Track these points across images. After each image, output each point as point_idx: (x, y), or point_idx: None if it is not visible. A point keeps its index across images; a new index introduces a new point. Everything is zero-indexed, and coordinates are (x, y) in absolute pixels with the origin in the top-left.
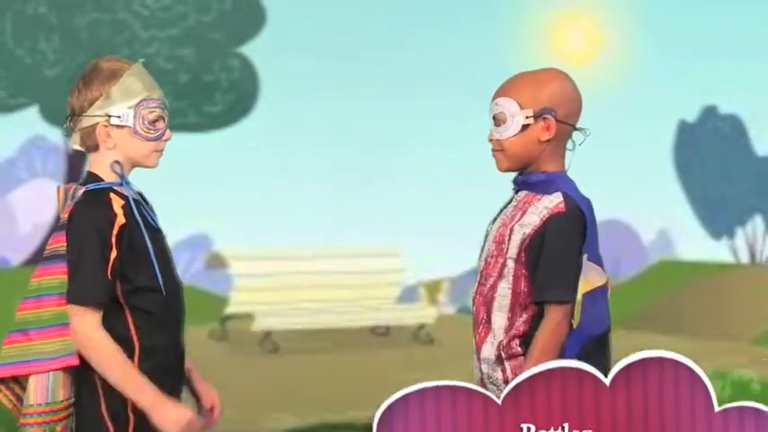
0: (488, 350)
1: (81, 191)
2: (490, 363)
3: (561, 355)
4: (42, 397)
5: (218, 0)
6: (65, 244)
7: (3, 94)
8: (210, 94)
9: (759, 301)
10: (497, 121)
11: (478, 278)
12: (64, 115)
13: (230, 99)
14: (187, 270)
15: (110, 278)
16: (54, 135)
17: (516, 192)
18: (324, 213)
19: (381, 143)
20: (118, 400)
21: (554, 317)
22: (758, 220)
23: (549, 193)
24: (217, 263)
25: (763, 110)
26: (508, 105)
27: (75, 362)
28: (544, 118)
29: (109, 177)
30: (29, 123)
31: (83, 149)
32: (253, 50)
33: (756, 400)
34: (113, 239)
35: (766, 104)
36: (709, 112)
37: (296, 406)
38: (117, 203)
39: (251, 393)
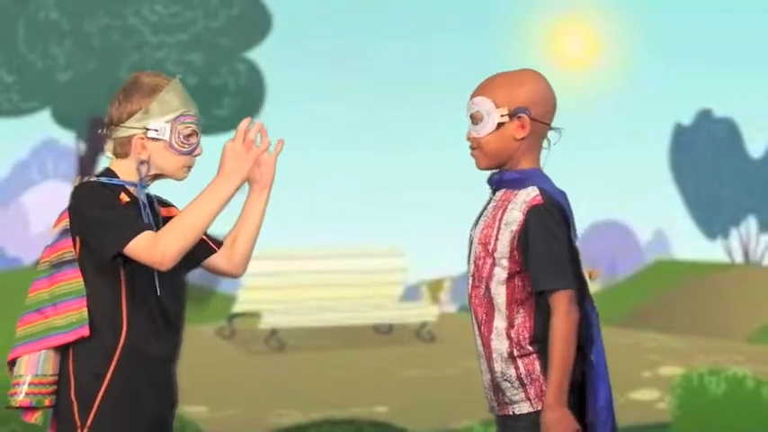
0: (499, 345)
1: (92, 178)
2: (504, 358)
3: (589, 341)
4: (32, 369)
5: (226, 6)
6: (68, 221)
7: (15, 97)
8: (218, 97)
9: (753, 300)
10: (474, 119)
11: (471, 281)
12: (76, 119)
13: (237, 103)
14: (194, 269)
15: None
16: (66, 138)
17: (494, 192)
18: (328, 214)
19: (384, 145)
20: (86, 387)
21: (559, 306)
22: (752, 221)
23: (523, 187)
24: None
25: (757, 113)
26: (484, 104)
27: (87, 332)
28: (519, 117)
29: (128, 178)
30: (41, 126)
31: (112, 156)
32: (259, 55)
33: (751, 397)
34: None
35: (760, 108)
36: (704, 116)
37: (301, 402)
38: (122, 198)
39: (257, 390)
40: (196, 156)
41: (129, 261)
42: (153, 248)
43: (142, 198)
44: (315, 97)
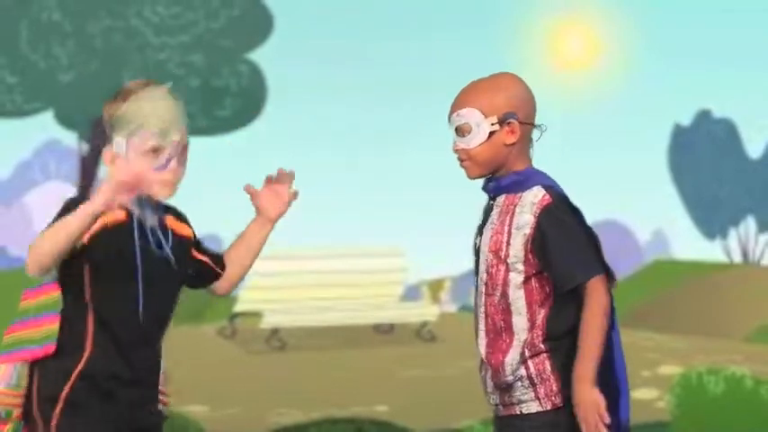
0: (513, 353)
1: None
2: (517, 361)
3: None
4: (5, 380)
5: (227, 7)
6: None
7: (18, 98)
8: (220, 98)
9: (751, 300)
10: (461, 131)
11: (484, 289)
12: (78, 119)
13: (239, 103)
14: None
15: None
16: (68, 138)
17: (493, 198)
18: (330, 214)
19: (385, 145)
20: (47, 402)
21: (594, 292)
22: (750, 221)
23: (528, 188)
24: None
25: (756, 114)
26: (471, 115)
27: (52, 349)
28: (508, 123)
29: None
30: (43, 127)
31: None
32: (261, 56)
33: (749, 396)
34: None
35: (759, 108)
36: (704, 116)
37: (301, 401)
38: (114, 214)
39: (258, 389)
40: (171, 171)
41: (98, 283)
42: (28, 256)
43: (140, 215)
44: (316, 98)
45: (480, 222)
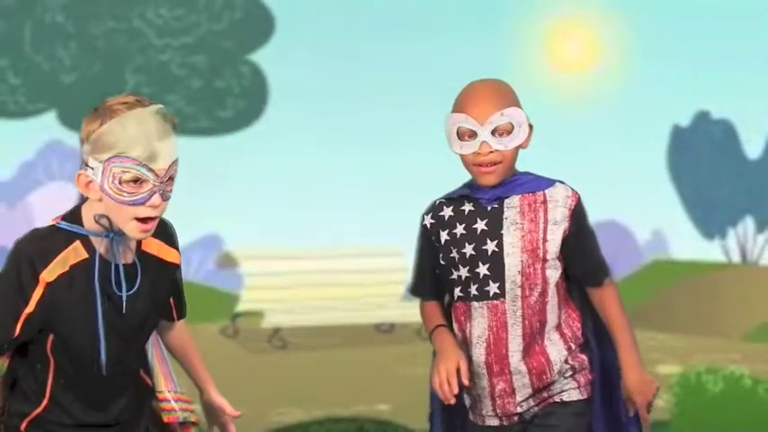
0: (554, 349)
1: (52, 221)
2: (562, 359)
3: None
4: None
5: (229, 9)
6: None
7: (22, 99)
8: (222, 99)
9: (750, 299)
10: (500, 131)
11: (520, 292)
12: (80, 120)
13: (241, 104)
14: (199, 269)
15: (16, 331)
16: (71, 139)
17: (496, 202)
18: (331, 214)
19: (385, 145)
20: (12, 423)
21: (611, 286)
22: (749, 221)
23: (548, 185)
24: (228, 262)
25: (754, 115)
26: (517, 115)
27: None
28: (530, 125)
29: (92, 226)
30: (46, 128)
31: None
32: (262, 58)
33: (747, 395)
34: (33, 294)
35: (757, 109)
36: (702, 117)
37: (303, 400)
38: (70, 257)
39: (260, 388)
40: (151, 207)
41: (59, 342)
42: None
43: (111, 258)
44: (317, 98)
45: (469, 230)
